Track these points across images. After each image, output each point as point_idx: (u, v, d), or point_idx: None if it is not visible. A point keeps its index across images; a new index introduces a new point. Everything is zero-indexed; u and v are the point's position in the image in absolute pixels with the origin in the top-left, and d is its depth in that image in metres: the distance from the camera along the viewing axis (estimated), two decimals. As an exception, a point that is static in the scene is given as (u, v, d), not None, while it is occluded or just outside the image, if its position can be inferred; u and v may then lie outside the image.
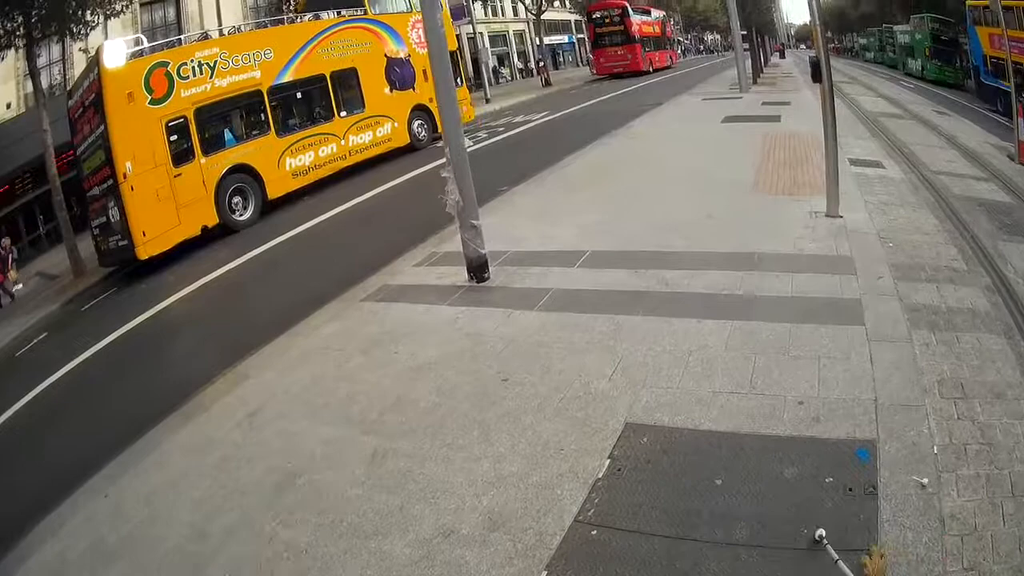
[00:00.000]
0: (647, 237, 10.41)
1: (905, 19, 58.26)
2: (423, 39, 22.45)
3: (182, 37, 20.66)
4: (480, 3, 58.53)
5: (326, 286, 10.70)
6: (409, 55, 23.55)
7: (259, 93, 18.63)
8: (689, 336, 7.16)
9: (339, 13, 22.24)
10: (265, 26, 22.63)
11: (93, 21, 20.06)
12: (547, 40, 76.14)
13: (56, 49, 30.19)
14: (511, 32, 72.98)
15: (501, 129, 26.55)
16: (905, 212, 11.38)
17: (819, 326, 7.01)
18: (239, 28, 22.63)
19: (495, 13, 70.28)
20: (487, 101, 40.93)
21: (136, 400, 9.04)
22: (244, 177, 17.81)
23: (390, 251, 11.69)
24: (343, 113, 21.12)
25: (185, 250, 16.22)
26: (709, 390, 6.12)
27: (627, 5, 53.53)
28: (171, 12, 37.36)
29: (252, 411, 7.16)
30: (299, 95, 20.15)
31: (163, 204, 15.82)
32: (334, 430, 6.48)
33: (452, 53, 23.59)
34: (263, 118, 18.79)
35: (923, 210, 11.67)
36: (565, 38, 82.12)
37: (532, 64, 60.78)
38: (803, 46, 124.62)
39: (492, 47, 69.68)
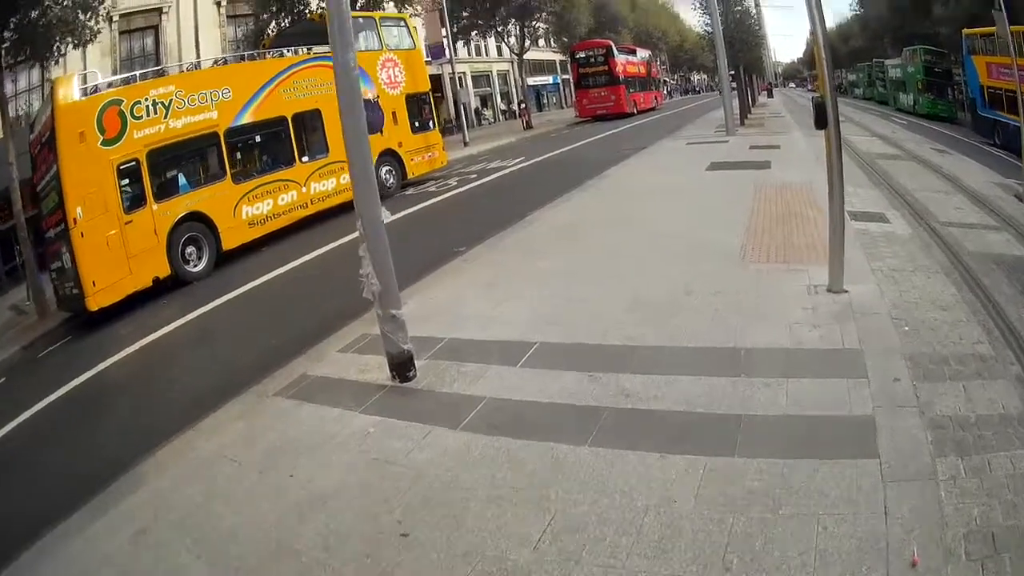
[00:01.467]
0: (611, 323, 8.69)
1: (896, 53, 57.81)
2: (394, 79, 23.76)
3: (137, 73, 19.53)
4: (462, 43, 57.52)
5: (250, 364, 9.76)
6: (378, 96, 22.94)
7: (215, 135, 17.75)
8: (648, 481, 5.35)
9: (310, 50, 21.67)
10: (225, 63, 22.33)
11: (63, 49, 20.09)
12: (531, 81, 76.32)
13: (36, 75, 31.23)
14: (495, 72, 72.40)
15: (473, 176, 25.42)
16: (919, 280, 9.58)
17: (820, 463, 5.25)
18: (197, 64, 22.55)
19: (478, 53, 69.53)
20: (465, 144, 40.06)
21: (32, 503, 7.81)
22: (198, 226, 16.89)
23: (325, 323, 10.48)
24: (305, 158, 20.21)
25: (138, 300, 15.40)
26: (666, 574, 4.32)
27: (612, 45, 53.37)
28: (149, 42, 38.33)
29: (140, 529, 6.03)
30: (258, 138, 19.33)
31: (113, 253, 14.98)
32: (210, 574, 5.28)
33: (423, 95, 25.46)
34: (219, 162, 17.91)
35: (938, 276, 9.86)
36: (550, 79, 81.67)
37: (515, 105, 59.64)
38: (792, 84, 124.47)
39: (475, 87, 69.97)
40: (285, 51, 21.80)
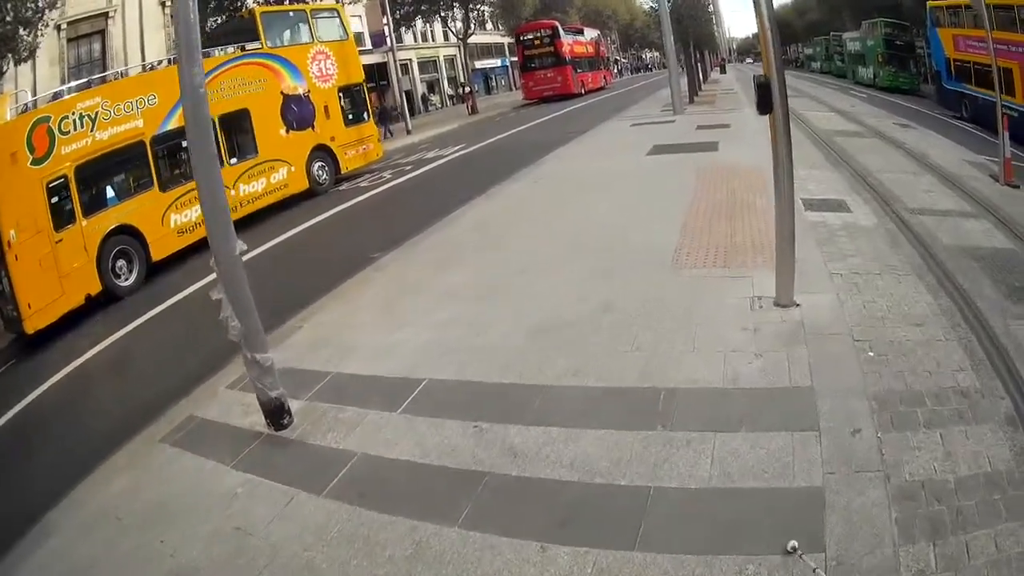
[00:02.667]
0: (512, 354, 7.24)
1: (854, 27, 57.09)
2: (325, 72, 22.66)
3: (64, 88, 18.81)
4: (405, 28, 55.89)
5: (150, 399, 8.62)
6: (309, 91, 21.93)
7: (142, 144, 16.79)
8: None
9: (243, 47, 20.86)
10: (152, 68, 21.29)
11: (3, 66, 19.32)
12: (479, 64, 75.06)
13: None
14: (442, 57, 70.35)
15: (408, 168, 24.25)
16: (886, 284, 7.98)
17: (747, 562, 4.04)
18: (124, 72, 21.31)
19: (425, 39, 67.42)
20: (408, 132, 38.63)
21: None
22: (127, 239, 15.95)
23: (223, 351, 8.69)
24: (233, 160, 19.24)
25: (76, 317, 14.21)
26: None
27: (557, 26, 51.75)
28: (97, 47, 36.91)
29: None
30: (184, 143, 16.76)
31: (46, 273, 14.19)
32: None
33: (357, 86, 24.41)
34: (146, 171, 16.98)
35: (909, 279, 8.28)
36: (498, 61, 79.97)
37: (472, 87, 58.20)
38: (750, 60, 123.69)
39: (422, 73, 67.80)
40: (215, 51, 20.62)
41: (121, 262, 15.76)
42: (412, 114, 47.30)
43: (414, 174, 22.77)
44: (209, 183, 6.70)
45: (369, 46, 49.44)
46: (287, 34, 22.78)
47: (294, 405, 6.92)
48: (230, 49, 20.76)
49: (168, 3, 37.68)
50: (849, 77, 58.01)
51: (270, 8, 26.15)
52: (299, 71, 21.57)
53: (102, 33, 36.98)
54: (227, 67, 19.70)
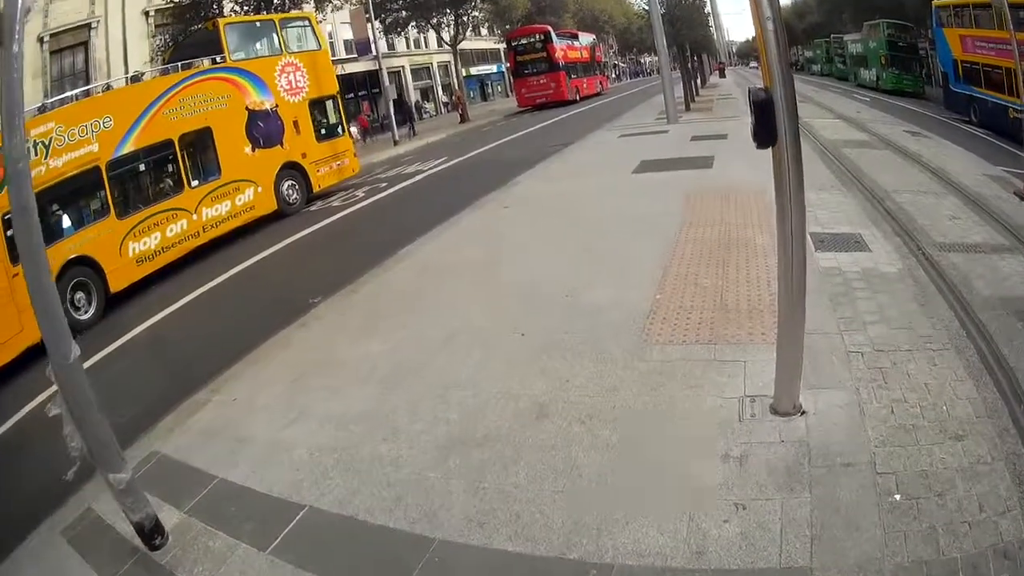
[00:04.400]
0: (410, 480, 5.51)
1: (855, 29, 56.23)
2: (295, 84, 21.61)
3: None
4: (399, 36, 54.73)
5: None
6: (276, 106, 20.84)
7: (97, 169, 15.82)
8: None
9: (214, 60, 19.85)
10: (108, 88, 20.32)
11: None
12: (475, 70, 74.24)
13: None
14: (436, 64, 68.95)
15: (384, 185, 22.98)
16: (919, 370, 5.94)
17: None
18: (81, 94, 19.79)
19: (418, 45, 66.10)
20: (395, 143, 37.54)
21: None
22: (84, 270, 14.96)
23: (155, 409, 7.85)
24: (195, 183, 18.18)
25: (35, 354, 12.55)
26: None
27: (550, 30, 50.56)
28: (80, 59, 36.45)
29: None
30: (142, 167, 17.31)
31: (4, 308, 13.12)
32: None
33: (330, 98, 23.28)
34: (102, 198, 16.03)
35: (946, 357, 6.19)
36: (494, 67, 78.29)
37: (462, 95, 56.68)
38: (754, 64, 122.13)
39: (415, 80, 66.61)
40: (177, 66, 19.88)
41: (80, 294, 14.81)
42: (406, 122, 46.51)
43: (388, 192, 21.53)
44: (37, 277, 5.31)
45: (354, 54, 47.96)
46: (255, 46, 21.70)
47: (172, 517, 5.69)
48: (206, 62, 19.78)
49: (152, 13, 37.17)
50: (851, 80, 56.92)
51: (234, 19, 24.83)
52: (266, 85, 20.50)
53: (85, 45, 36.43)
54: (187, 84, 18.57)
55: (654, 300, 7.86)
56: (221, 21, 21.13)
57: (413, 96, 63.65)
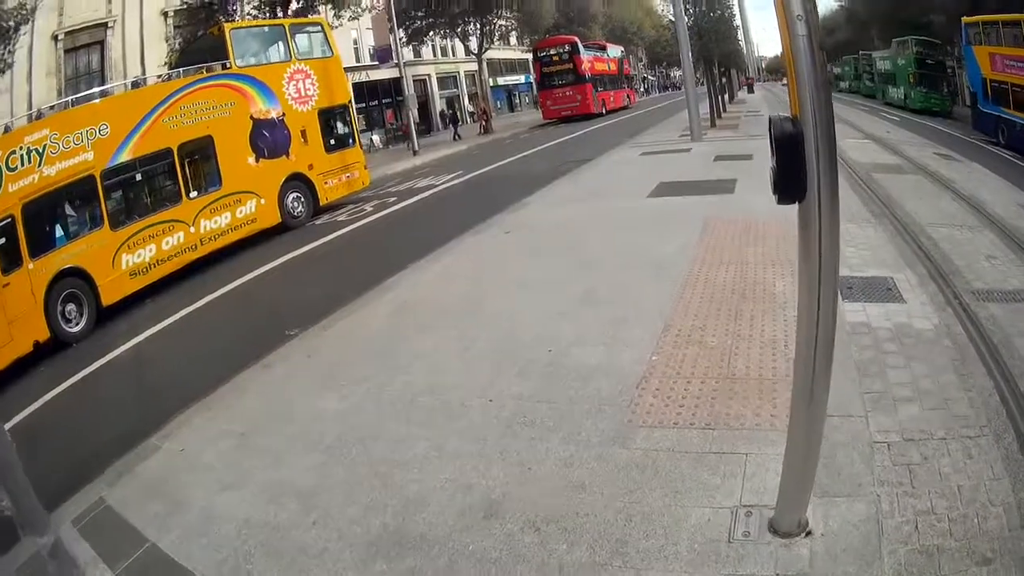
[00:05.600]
0: None
1: (883, 46, 55.40)
2: (304, 93, 20.91)
3: (12, 121, 18.22)
4: (420, 43, 54.77)
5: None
6: (283, 114, 20.18)
7: (92, 179, 15.51)
8: None
9: (224, 66, 19.42)
10: (105, 94, 19.68)
11: None
12: (502, 80, 73.89)
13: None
14: (463, 73, 68.31)
15: (393, 200, 22.25)
16: (951, 466, 4.88)
17: None
18: (74, 101, 19.06)
19: (444, 53, 65.37)
20: (414, 153, 36.96)
21: None
22: (76, 281, 14.69)
23: (114, 447, 7.47)
24: (193, 194, 17.69)
25: (25, 365, 12.83)
26: None
27: (577, 41, 50.05)
28: (95, 58, 36.44)
29: None
30: (138, 176, 16.90)
31: None
32: None
33: (341, 108, 22.66)
34: (96, 208, 15.70)
35: (982, 446, 5.10)
36: (521, 78, 77.45)
37: (486, 105, 56.09)
38: (784, 82, 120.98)
39: (441, 89, 66.23)
40: (179, 71, 19.53)
41: (71, 306, 14.53)
42: (430, 132, 46.22)
43: (395, 208, 20.80)
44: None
45: (375, 61, 47.50)
46: (262, 52, 21.15)
47: (103, 581, 5.09)
48: (216, 68, 19.35)
49: (171, 13, 36.65)
50: (878, 98, 55.84)
51: (242, 24, 24.22)
52: (272, 93, 19.88)
53: (101, 44, 36.31)
54: (188, 90, 18.01)
55: (649, 363, 6.82)
56: (227, 25, 20.79)
57: (439, 104, 63.09)
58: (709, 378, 6.39)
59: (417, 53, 58.36)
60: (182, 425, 7.49)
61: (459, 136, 44.48)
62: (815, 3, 3.20)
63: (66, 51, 34.86)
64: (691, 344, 7.13)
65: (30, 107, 29.94)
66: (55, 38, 34.15)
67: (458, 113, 60.42)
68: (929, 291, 8.57)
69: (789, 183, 3.19)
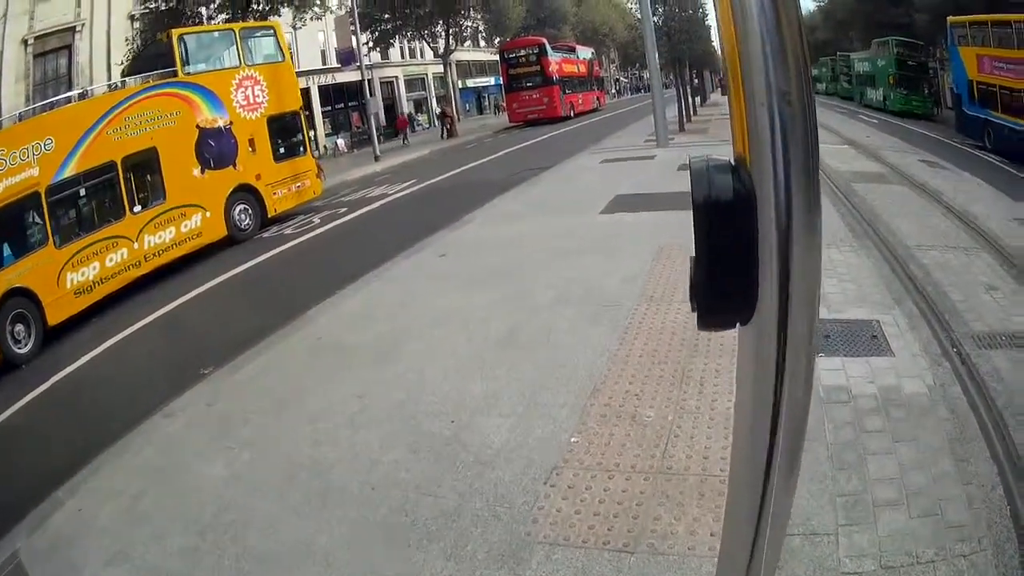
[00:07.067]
0: None
1: (862, 47, 54.61)
2: (252, 100, 20.34)
3: None
4: (385, 46, 53.22)
5: None
6: (231, 123, 19.50)
7: (37, 195, 15.10)
8: None
9: (174, 74, 18.90)
10: (52, 107, 18.85)
11: None
12: (471, 83, 73.57)
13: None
14: (431, 75, 66.93)
15: (343, 211, 21.29)
16: None
17: None
18: (21, 115, 19.32)
19: (412, 55, 64.11)
20: (376, 159, 35.69)
21: None
22: (22, 301, 14.22)
23: (28, 495, 6.89)
24: (136, 208, 17.11)
25: None
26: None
27: (545, 43, 49.16)
28: (63, 62, 35.72)
29: None
30: (82, 192, 16.41)
31: None
32: None
33: (292, 115, 21.86)
34: (41, 226, 15.28)
35: (978, 566, 3.89)
36: (491, 80, 76.05)
37: (450, 109, 55.07)
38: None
39: (409, 92, 65.08)
40: (128, 80, 19.31)
41: (19, 327, 14.05)
42: (396, 135, 45.61)
43: (342, 220, 19.85)
44: None
45: (337, 64, 46.44)
46: (212, 58, 20.33)
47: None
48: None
49: (137, 16, 35.71)
50: (856, 100, 55.02)
51: (190, 29, 23.12)
52: (220, 100, 19.21)
53: (69, 48, 35.82)
54: (133, 100, 17.46)
55: (567, 446, 5.33)
56: (174, 32, 19.81)
57: (406, 107, 61.92)
58: (638, 472, 4.89)
59: (385, 55, 57.20)
60: (88, 478, 7.00)
61: (407, 142, 44.64)
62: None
63: (35, 56, 34.40)
64: (622, 419, 5.61)
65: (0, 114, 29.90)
66: (25, 43, 33.63)
67: (412, 116, 59.55)
68: (922, 338, 7.13)
69: (723, 290, 1.43)
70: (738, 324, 1.24)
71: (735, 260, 1.15)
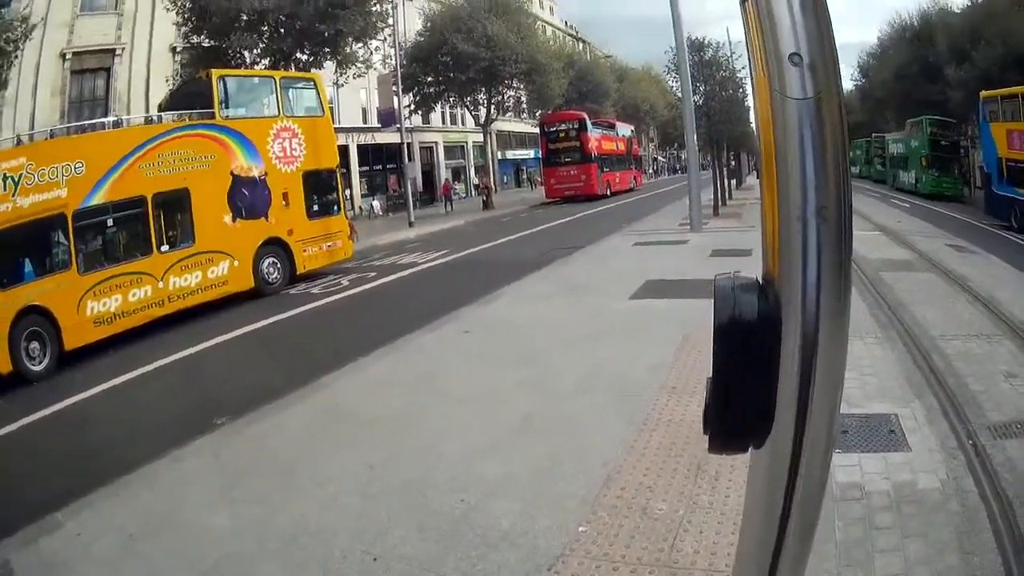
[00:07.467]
0: None
1: (899, 127, 53.72)
2: (289, 152, 20.33)
3: None
4: (426, 109, 53.82)
5: None
6: (265, 173, 19.60)
7: (63, 217, 15.17)
8: None
9: (211, 116, 18.96)
10: (82, 130, 18.82)
11: None
12: (511, 154, 73.04)
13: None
14: (471, 143, 67.51)
15: (372, 276, 21.30)
16: None
17: None
18: (53, 132, 19.22)
19: (454, 121, 64.72)
20: (410, 225, 36.24)
21: None
22: (39, 319, 14.38)
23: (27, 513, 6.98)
24: (164, 247, 17.25)
25: None
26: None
27: (585, 117, 49.31)
28: (101, 84, 36.47)
29: None
30: (110, 222, 16.50)
31: None
32: None
33: (328, 172, 21.99)
34: (65, 248, 15.37)
35: None
36: (531, 152, 76.45)
37: (488, 180, 55.25)
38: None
39: (448, 159, 65.58)
40: (161, 116, 19.19)
41: (35, 344, 14.23)
42: (433, 202, 45.92)
43: (370, 286, 19.76)
44: None
45: (377, 124, 46.86)
46: (249, 104, 20.65)
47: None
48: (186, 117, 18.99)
49: (179, 50, 36.07)
50: (889, 182, 54.60)
51: (230, 71, 23.17)
52: (256, 149, 19.31)
53: (108, 71, 36.25)
54: (168, 137, 17.59)
55: (575, 534, 5.37)
56: (214, 72, 19.98)
57: (444, 174, 62.33)
58: (643, 564, 4.91)
59: (426, 119, 57.73)
60: (90, 505, 7.09)
61: (451, 208, 45.81)
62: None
63: (72, 72, 34.74)
64: (632, 511, 5.64)
65: (32, 125, 30.31)
66: (63, 56, 33.95)
67: (454, 185, 59.86)
68: (939, 431, 7.15)
69: (738, 417, 1.49)
70: (751, 448, 1.28)
71: (754, 386, 1.17)
